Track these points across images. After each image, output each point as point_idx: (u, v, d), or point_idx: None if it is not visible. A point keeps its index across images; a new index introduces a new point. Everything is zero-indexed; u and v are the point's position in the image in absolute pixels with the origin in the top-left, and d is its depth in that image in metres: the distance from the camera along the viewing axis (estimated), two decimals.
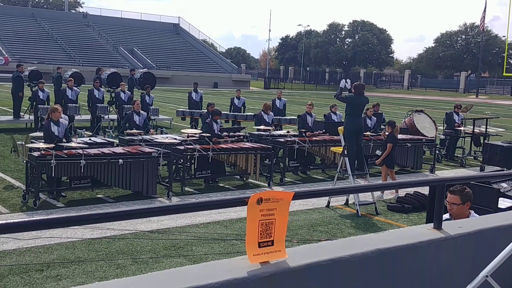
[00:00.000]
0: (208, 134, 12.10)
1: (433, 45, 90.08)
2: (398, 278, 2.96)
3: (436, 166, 14.89)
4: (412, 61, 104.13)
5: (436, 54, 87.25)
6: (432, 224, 3.32)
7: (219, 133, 12.60)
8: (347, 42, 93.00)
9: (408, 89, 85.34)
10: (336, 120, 14.83)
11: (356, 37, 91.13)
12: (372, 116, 15.24)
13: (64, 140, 10.52)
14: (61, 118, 10.69)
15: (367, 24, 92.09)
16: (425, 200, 10.00)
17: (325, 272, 2.56)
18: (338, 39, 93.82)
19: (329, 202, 10.56)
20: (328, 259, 2.57)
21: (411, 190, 11.00)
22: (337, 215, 10.04)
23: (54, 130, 10.46)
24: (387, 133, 11.88)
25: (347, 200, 10.79)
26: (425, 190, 10.26)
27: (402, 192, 11.14)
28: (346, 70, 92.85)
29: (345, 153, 10.46)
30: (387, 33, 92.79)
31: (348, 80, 11.39)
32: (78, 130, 16.40)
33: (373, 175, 13.51)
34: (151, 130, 13.16)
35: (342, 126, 10.91)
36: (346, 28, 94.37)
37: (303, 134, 13.41)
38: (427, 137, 15.32)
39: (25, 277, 6.54)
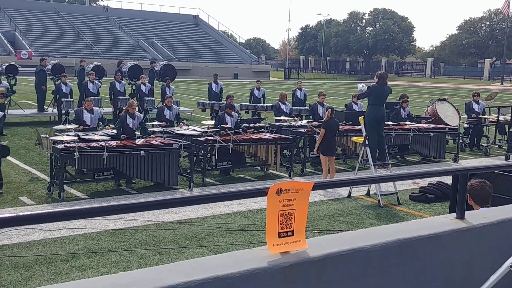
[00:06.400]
0: (216, 129, 12.12)
1: (456, 32, 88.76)
2: (420, 268, 2.95)
3: (459, 155, 14.72)
4: (434, 48, 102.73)
5: (459, 41, 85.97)
6: (455, 214, 3.30)
7: (232, 126, 12.56)
8: (368, 31, 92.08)
9: (431, 77, 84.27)
10: (357, 110, 14.75)
11: (377, 25, 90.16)
12: (407, 108, 15.04)
13: (137, 133, 11.32)
14: (136, 112, 11.50)
15: (388, 12, 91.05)
16: (448, 190, 9.91)
17: (346, 262, 2.56)
18: (358, 28, 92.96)
19: (350, 193, 10.53)
20: (349, 249, 2.57)
21: (434, 179, 10.91)
22: (358, 206, 10.00)
23: (129, 123, 11.12)
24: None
25: (369, 190, 10.74)
26: (448, 180, 10.16)
27: (424, 182, 11.05)
28: (367, 59, 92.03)
29: (367, 143, 10.41)
30: (409, 21, 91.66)
31: (363, 84, 11.81)
32: (99, 122, 16.53)
33: (395, 165, 13.42)
34: (180, 123, 13.30)
35: (363, 116, 10.85)
36: (366, 16, 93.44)
37: (310, 124, 13.40)
38: (450, 126, 15.14)
39: (51, 267, 6.66)
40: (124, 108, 12.12)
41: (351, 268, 2.59)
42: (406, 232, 2.89)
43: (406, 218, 9.24)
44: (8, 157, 11.28)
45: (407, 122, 14.50)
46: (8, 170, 11.46)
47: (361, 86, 11.60)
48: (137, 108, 11.91)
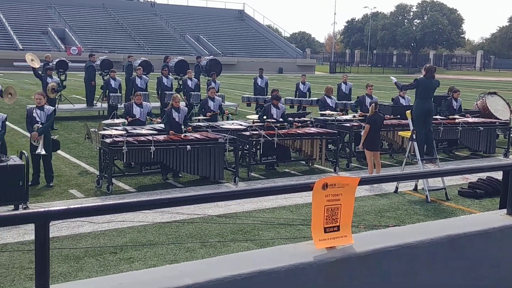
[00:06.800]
0: (260, 123, 12.13)
1: (507, 24, 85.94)
2: (468, 264, 2.88)
3: (510, 150, 14.28)
4: (484, 41, 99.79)
5: (510, 33, 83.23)
6: (505, 210, 3.21)
7: (281, 118, 12.55)
8: (415, 23, 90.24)
9: (481, 70, 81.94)
10: (404, 104, 14.50)
11: (425, 17, 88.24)
12: (459, 98, 14.76)
13: (183, 127, 11.47)
14: (181, 105, 11.72)
15: (437, 4, 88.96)
16: (498, 185, 9.63)
17: (392, 258, 2.53)
18: (406, 21, 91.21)
19: (397, 188, 10.38)
20: (396, 245, 2.53)
21: (483, 175, 10.62)
22: (405, 201, 9.84)
23: (175, 117, 11.28)
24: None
25: (416, 185, 10.55)
26: (498, 175, 9.87)
27: (474, 177, 10.78)
28: (415, 52, 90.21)
29: (414, 137, 10.22)
30: (458, 12, 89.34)
31: (392, 77, 12.12)
32: (147, 117, 16.83)
33: (443, 160, 13.13)
34: (225, 110, 13.66)
35: (410, 110, 10.66)
36: (414, 9, 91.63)
37: (356, 118, 13.27)
38: (501, 120, 14.72)
39: (100, 259, 6.83)
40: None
41: (398, 264, 2.56)
42: (454, 228, 2.83)
43: (454, 214, 9.04)
44: (59, 151, 11.61)
45: (456, 116, 14.16)
46: (59, 164, 11.81)
47: (393, 78, 11.79)
48: (181, 102, 12.10)
